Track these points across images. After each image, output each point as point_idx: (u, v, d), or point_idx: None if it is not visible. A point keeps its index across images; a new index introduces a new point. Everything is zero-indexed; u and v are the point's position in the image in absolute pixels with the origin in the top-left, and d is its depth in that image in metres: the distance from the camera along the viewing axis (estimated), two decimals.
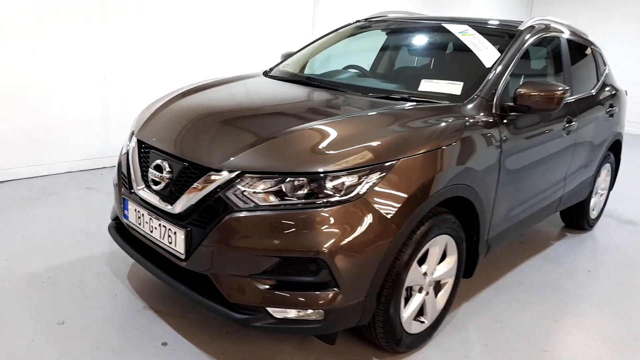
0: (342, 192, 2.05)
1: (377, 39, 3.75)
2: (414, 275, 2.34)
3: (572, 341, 2.79)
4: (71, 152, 4.61)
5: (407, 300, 2.42)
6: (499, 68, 2.82)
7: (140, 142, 2.51)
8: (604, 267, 3.76)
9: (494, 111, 2.70)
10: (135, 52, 4.89)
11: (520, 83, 2.78)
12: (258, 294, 2.06)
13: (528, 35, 3.09)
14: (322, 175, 2.05)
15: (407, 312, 2.40)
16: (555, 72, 3.55)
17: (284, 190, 2.05)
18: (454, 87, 2.77)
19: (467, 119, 2.51)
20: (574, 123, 3.40)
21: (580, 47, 3.93)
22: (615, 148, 4.47)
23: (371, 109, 2.56)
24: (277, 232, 2.01)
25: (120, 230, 2.68)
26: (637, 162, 7.87)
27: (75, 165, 4.67)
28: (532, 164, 3.03)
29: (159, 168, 2.31)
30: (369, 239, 2.06)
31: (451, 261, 2.60)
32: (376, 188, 2.09)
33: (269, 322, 2.09)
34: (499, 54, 2.90)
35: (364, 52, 3.78)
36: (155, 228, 2.30)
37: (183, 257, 2.17)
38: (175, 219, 2.20)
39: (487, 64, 2.86)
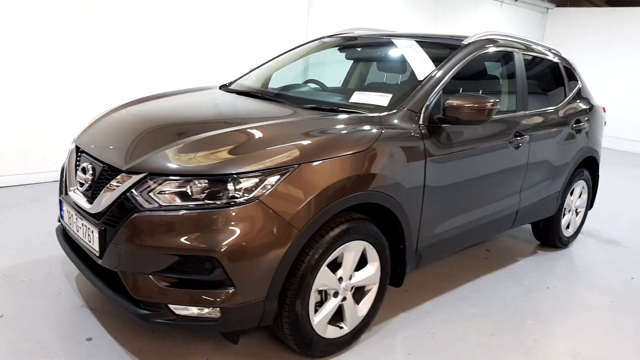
0: (240, 195, 2.14)
1: (336, 55, 3.86)
2: (325, 279, 2.40)
3: (503, 355, 2.75)
4: (58, 162, 4.85)
5: (321, 303, 2.48)
6: (432, 81, 2.88)
7: (77, 148, 2.68)
8: (567, 285, 3.68)
9: (421, 122, 2.75)
10: (123, 65, 5.14)
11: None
12: (159, 291, 2.16)
13: (470, 50, 3.14)
14: (222, 178, 2.15)
15: (320, 315, 2.45)
16: (506, 86, 3.57)
17: (186, 191, 2.15)
18: (382, 99, 2.84)
19: (383, 129, 2.57)
20: (524, 137, 3.40)
21: (543, 64, 3.94)
22: (590, 165, 4.39)
23: (288, 117, 2.65)
24: (176, 231, 2.11)
25: (65, 232, 2.84)
26: (634, 181, 7.53)
27: None
28: (469, 176, 3.03)
29: (84, 170, 2.46)
30: (266, 241, 2.14)
31: (373, 268, 2.64)
32: (275, 192, 2.17)
33: (169, 318, 2.18)
34: (434, 68, 2.96)
35: (324, 66, 3.89)
36: (80, 227, 2.44)
37: (98, 254, 2.30)
38: (93, 218, 2.34)
39: (420, 77, 2.92)
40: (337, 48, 3.74)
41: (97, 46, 4.93)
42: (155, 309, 2.19)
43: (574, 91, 4.18)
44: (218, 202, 2.13)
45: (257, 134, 2.39)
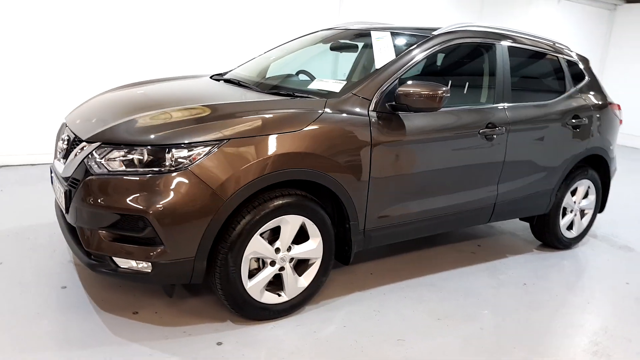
0: (174, 164, 2.41)
1: (326, 47, 4.03)
2: (258, 247, 2.61)
3: (439, 337, 2.81)
4: None
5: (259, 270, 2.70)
6: (389, 69, 3.00)
7: (65, 124, 3.09)
8: (546, 283, 3.60)
9: (371, 109, 2.88)
10: (154, 52, 5.60)
11: None
12: (103, 244, 2.48)
13: (436, 41, 3.21)
14: (159, 148, 2.43)
15: (254, 281, 2.67)
16: (480, 78, 3.56)
17: (130, 159, 2.46)
18: (336, 85, 3.00)
19: (323, 112, 2.74)
20: (500, 129, 3.40)
21: (535, 56, 3.88)
22: (597, 164, 4.24)
23: (238, 99, 2.89)
24: (118, 194, 2.42)
25: None
26: None
27: None
28: (425, 165, 3.09)
29: (63, 140, 2.85)
30: (192, 205, 2.40)
31: (314, 243, 2.81)
32: (204, 162, 2.42)
33: (111, 268, 2.50)
34: (393, 57, 3.07)
35: (315, 58, 4.07)
36: (57, 189, 2.84)
37: (65, 211, 2.67)
38: (64, 181, 2.71)
39: (378, 65, 3.04)
40: (323, 41, 3.91)
41: (105, 36, 5.41)
42: (101, 260, 2.52)
43: (577, 87, 4.06)
44: (154, 170, 2.41)
45: (197, 111, 2.65)
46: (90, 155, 2.53)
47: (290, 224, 2.70)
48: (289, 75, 3.70)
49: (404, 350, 2.66)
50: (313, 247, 2.81)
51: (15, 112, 5.02)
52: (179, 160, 2.42)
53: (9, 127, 5.03)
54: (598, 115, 4.10)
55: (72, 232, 2.70)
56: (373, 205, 2.95)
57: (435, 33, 3.26)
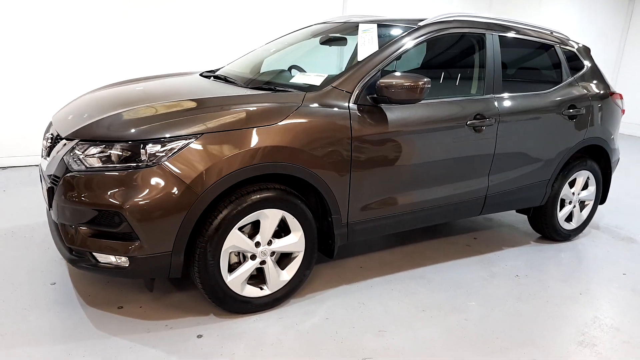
0: (147, 159, 2.44)
1: (318, 40, 4.03)
2: (236, 241, 2.63)
3: (421, 328, 2.79)
4: None
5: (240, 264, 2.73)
6: (370, 62, 2.99)
7: (51, 122, 3.15)
8: (540, 275, 3.55)
9: (351, 101, 2.87)
10: (155, 56, 5.68)
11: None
12: (82, 240, 2.52)
13: (422, 32, 3.18)
14: (133, 143, 2.46)
15: (235, 274, 2.69)
16: (467, 68, 3.52)
17: (107, 155, 2.50)
18: (317, 79, 3.00)
19: (301, 105, 2.74)
20: (489, 120, 3.35)
21: (529, 46, 3.82)
22: (597, 154, 4.16)
23: (215, 94, 2.90)
24: (94, 189, 2.46)
25: None
26: None
27: None
28: (408, 158, 3.05)
29: (47, 139, 2.91)
30: (167, 200, 2.43)
31: (296, 236, 2.82)
32: (177, 157, 2.44)
33: (90, 264, 2.55)
34: (376, 49, 3.06)
35: (309, 52, 4.07)
36: (43, 187, 2.90)
37: (49, 208, 2.72)
38: (48, 178, 2.77)
39: (360, 57, 3.03)
40: (314, 34, 3.91)
41: (118, 37, 5.51)
42: (81, 255, 2.56)
43: (575, 76, 3.99)
44: (128, 165, 2.45)
45: (171, 107, 2.67)
46: (69, 152, 2.58)
47: (269, 218, 2.71)
48: (278, 71, 3.71)
49: (384, 340, 2.66)
50: (295, 240, 2.82)
51: (19, 114, 5.13)
52: (154, 155, 2.44)
53: (13, 128, 5.14)
54: (599, 105, 4.02)
55: (57, 229, 2.75)
56: (355, 199, 2.94)
57: (421, 24, 3.23)
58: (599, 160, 4.21)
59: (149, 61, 5.68)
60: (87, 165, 2.51)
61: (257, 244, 2.72)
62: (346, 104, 2.86)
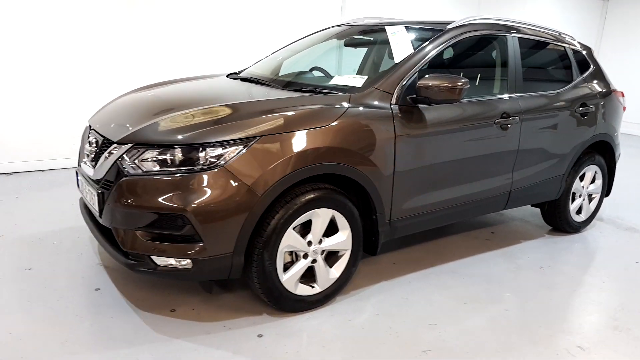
0: (209, 162, 2.47)
1: (339, 43, 4.10)
2: (291, 241, 2.67)
3: (468, 319, 2.90)
4: None
5: (292, 263, 2.77)
6: (408, 63, 3.08)
7: (89, 126, 3.12)
8: (562, 266, 3.72)
9: (393, 102, 2.95)
10: (165, 62, 5.65)
11: None
12: (142, 244, 2.53)
13: (453, 34, 3.29)
14: (193, 147, 2.48)
15: (289, 273, 2.73)
16: (492, 69, 3.66)
17: (164, 159, 2.51)
18: (358, 81, 3.07)
19: (350, 107, 2.81)
20: (514, 118, 3.50)
21: (543, 47, 3.99)
22: (604, 150, 4.36)
23: (265, 97, 2.95)
24: (155, 193, 2.47)
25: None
26: None
27: None
28: (444, 155, 3.17)
29: (90, 143, 2.89)
30: (229, 203, 2.45)
31: (344, 235, 2.88)
32: (238, 160, 2.48)
33: (150, 267, 2.55)
34: (412, 51, 3.15)
35: (328, 54, 4.15)
36: (87, 192, 2.87)
37: (98, 214, 2.71)
38: (95, 183, 2.75)
39: (397, 59, 3.12)
40: (341, 37, 3.98)
41: (130, 44, 5.46)
42: (139, 259, 2.56)
43: (584, 75, 4.18)
44: (189, 169, 2.47)
45: (227, 110, 2.70)
46: (123, 157, 2.57)
47: (321, 217, 2.76)
48: (306, 72, 3.77)
49: (437, 333, 2.75)
50: (343, 239, 2.88)
51: (24, 119, 5.02)
52: (213, 158, 2.47)
53: (19, 134, 5.03)
54: (603, 103, 4.22)
55: (106, 234, 2.74)
56: (398, 196, 3.03)
57: (449, 26, 3.34)
58: (605, 154, 4.42)
59: (156, 65, 5.64)
60: (145, 169, 2.51)
61: (309, 243, 2.77)
62: (388, 105, 2.94)
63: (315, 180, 2.75)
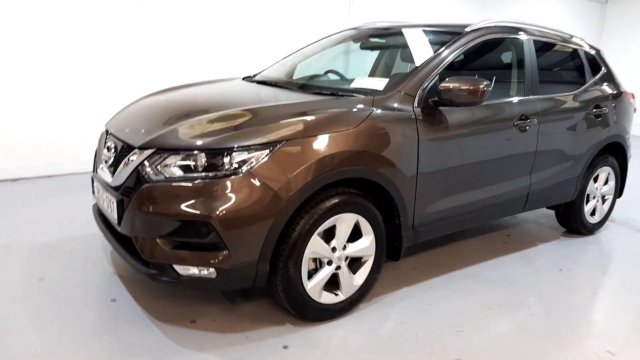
0: (234, 167, 2.39)
1: (354, 46, 4.05)
2: (316, 247, 2.61)
3: (496, 325, 2.85)
4: None
5: (317, 271, 2.69)
6: (429, 66, 3.03)
7: (107, 131, 3.04)
8: (580, 268, 3.68)
9: (415, 105, 2.90)
10: (174, 68, 5.57)
11: None
12: (164, 252, 2.44)
13: (471, 37, 3.25)
14: (217, 152, 2.41)
15: (314, 281, 2.66)
16: (510, 71, 3.63)
17: (188, 165, 2.44)
18: (379, 83, 3.02)
19: (374, 110, 2.75)
20: (532, 120, 3.46)
21: (557, 49, 3.96)
22: (617, 151, 4.34)
23: (286, 101, 2.88)
24: (178, 200, 2.39)
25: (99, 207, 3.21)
26: None
27: None
28: (467, 157, 3.13)
29: (108, 148, 2.81)
30: (255, 209, 2.38)
31: (367, 240, 2.82)
32: (264, 165, 2.41)
33: (173, 277, 2.47)
34: (432, 54, 3.10)
35: (343, 57, 4.09)
36: (104, 199, 2.79)
37: (116, 222, 2.62)
38: (113, 190, 2.67)
39: (418, 62, 3.07)
40: (353, 40, 3.93)
41: (138, 47, 5.38)
42: (161, 269, 2.48)
43: (596, 77, 4.16)
44: (214, 174, 2.39)
45: (252, 114, 2.64)
46: (144, 162, 2.50)
47: (345, 222, 2.70)
48: (324, 75, 3.72)
49: (465, 340, 2.69)
50: (367, 244, 2.82)
51: (30, 124, 4.92)
52: (239, 163, 2.40)
53: (25, 139, 4.92)
54: (614, 104, 4.20)
55: (125, 243, 2.66)
56: (421, 200, 2.97)
57: (467, 29, 3.30)
58: (617, 156, 4.39)
59: (165, 69, 5.59)
60: (167, 175, 2.43)
61: (333, 249, 2.71)
62: (411, 108, 2.89)
63: (339, 184, 2.69)
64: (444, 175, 3.05)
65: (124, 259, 2.64)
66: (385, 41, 3.87)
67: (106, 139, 2.99)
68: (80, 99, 5.12)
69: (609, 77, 4.30)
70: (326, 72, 3.90)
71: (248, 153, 2.41)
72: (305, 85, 3.32)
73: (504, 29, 3.49)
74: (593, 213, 4.34)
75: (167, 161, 2.46)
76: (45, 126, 4.99)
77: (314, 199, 2.57)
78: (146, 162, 2.49)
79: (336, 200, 2.61)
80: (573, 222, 4.22)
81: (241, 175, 2.38)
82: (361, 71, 4.16)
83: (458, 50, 3.16)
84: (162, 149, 2.48)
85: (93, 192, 3.06)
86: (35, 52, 4.83)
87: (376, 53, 4.08)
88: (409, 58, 3.68)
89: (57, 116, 5.03)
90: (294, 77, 3.71)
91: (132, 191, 2.52)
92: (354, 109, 2.73)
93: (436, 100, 2.95)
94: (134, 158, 2.56)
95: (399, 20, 4.20)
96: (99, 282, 3.07)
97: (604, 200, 4.41)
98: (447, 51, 3.12)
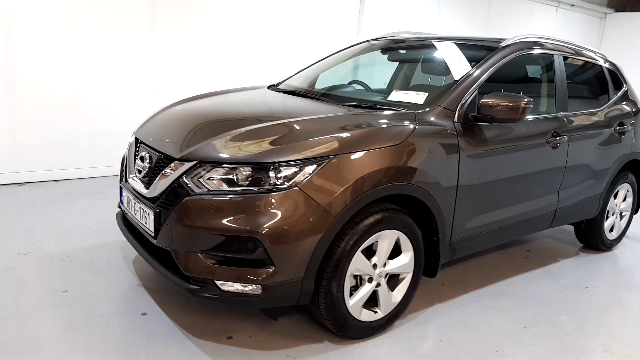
0: (281, 182, 2.33)
1: (380, 57, 4.01)
2: (359, 264, 2.55)
3: (534, 345, 2.82)
4: (120, 157, 5.22)
5: (356, 288, 2.63)
6: (468, 80, 2.99)
7: (136, 139, 2.95)
8: (606, 285, 3.68)
9: (455, 120, 2.86)
10: (180, 68, 5.48)
11: None
12: (207, 267, 2.37)
13: (507, 52, 3.23)
14: (264, 166, 2.34)
15: (355, 299, 2.60)
16: (544, 88, 3.62)
17: (232, 178, 2.36)
18: (419, 97, 2.98)
19: (417, 125, 2.71)
20: (563, 137, 3.45)
21: (585, 66, 3.97)
22: (635, 168, 4.35)
23: (328, 113, 2.82)
24: (223, 214, 2.32)
25: (124, 217, 3.11)
26: None
27: None
28: (504, 173, 3.11)
29: (142, 159, 2.72)
30: (303, 224, 2.32)
31: (407, 257, 2.77)
32: (312, 180, 2.34)
33: (215, 293, 2.39)
34: (470, 68, 3.07)
35: (367, 68, 4.05)
36: (138, 210, 2.70)
37: (153, 234, 2.54)
38: (149, 202, 2.58)
39: (456, 76, 3.03)
40: (382, 50, 3.90)
41: (159, 54, 5.29)
42: (203, 284, 2.40)
43: (618, 94, 4.17)
44: (260, 188, 2.32)
45: (298, 127, 2.58)
46: (185, 175, 2.42)
47: (387, 239, 2.65)
48: (349, 85, 3.67)
49: None
50: (406, 261, 2.77)
51: (37, 126, 4.78)
52: (286, 177, 2.34)
53: (31, 142, 4.78)
54: (634, 121, 4.21)
55: (160, 256, 2.58)
56: (459, 216, 2.94)
57: (502, 44, 3.28)
58: (635, 172, 4.41)
59: (172, 75, 5.48)
60: (211, 188, 2.36)
61: (374, 266, 2.65)
62: (451, 123, 2.85)
63: (381, 200, 2.63)
64: (481, 191, 3.02)
65: (160, 273, 2.56)
66: (413, 53, 3.83)
67: (137, 148, 2.90)
68: (87, 103, 4.99)
69: (630, 94, 4.32)
70: (350, 83, 3.86)
71: (296, 167, 2.35)
72: (339, 97, 3.26)
73: (536, 44, 3.47)
74: (611, 229, 4.35)
75: (211, 174, 2.38)
76: (53, 130, 4.86)
77: (358, 215, 2.51)
78: (187, 174, 2.41)
79: (379, 217, 2.56)
80: (593, 238, 4.22)
81: (289, 189, 2.32)
82: (380, 82, 4.12)
83: (496, 66, 3.14)
84: (204, 162, 2.41)
85: (121, 201, 2.96)
86: (43, 54, 4.71)
87: (392, 64, 4.04)
88: (437, 70, 3.66)
89: (64, 120, 4.90)
90: (320, 87, 3.66)
91: (171, 203, 2.44)
92: (399, 124, 2.68)
93: (475, 115, 2.92)
94: (174, 170, 2.48)
95: (424, 32, 4.18)
96: (125, 295, 2.97)
97: (621, 217, 4.42)
98: (484, 66, 3.10)
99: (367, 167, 2.47)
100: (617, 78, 4.24)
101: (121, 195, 2.95)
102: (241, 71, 5.92)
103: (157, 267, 2.58)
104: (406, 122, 2.71)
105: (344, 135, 2.51)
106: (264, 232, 2.27)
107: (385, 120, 2.70)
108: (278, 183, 2.33)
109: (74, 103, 4.90)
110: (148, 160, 2.68)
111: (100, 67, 4.99)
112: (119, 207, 3.20)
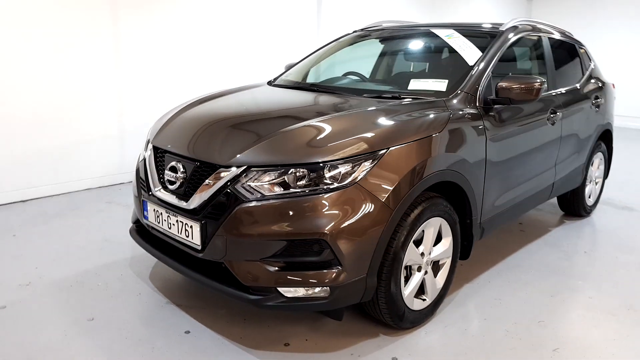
0: (339, 180, 2.27)
1: (373, 47, 4.01)
2: (412, 254, 2.55)
3: (568, 312, 2.97)
4: (90, 170, 4.90)
5: (407, 278, 2.63)
6: (482, 65, 3.06)
7: (156, 149, 2.76)
8: (600, 248, 3.94)
9: (477, 104, 2.92)
10: (147, 71, 5.20)
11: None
12: (269, 275, 2.27)
13: (509, 35, 3.33)
14: (320, 165, 2.28)
15: (408, 289, 2.61)
16: (538, 68, 3.79)
17: (286, 180, 2.28)
18: (440, 85, 3.01)
19: (451, 111, 2.74)
20: (558, 114, 3.62)
21: (564, 45, 4.18)
22: (606, 138, 4.66)
23: (364, 107, 2.79)
24: (283, 218, 2.23)
25: (141, 232, 2.92)
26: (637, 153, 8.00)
27: (95, 182, 4.97)
28: (518, 152, 3.23)
29: (173, 169, 2.55)
30: (366, 221, 2.28)
31: (447, 242, 2.80)
32: (369, 175, 2.31)
33: (280, 301, 2.30)
34: (481, 53, 3.13)
35: (361, 59, 4.03)
36: (173, 224, 2.53)
37: (199, 248, 2.39)
38: (190, 214, 2.43)
39: (470, 62, 3.09)
40: (377, 40, 3.89)
41: (124, 55, 4.98)
42: (265, 293, 2.30)
43: (589, 70, 4.44)
44: (317, 189, 2.26)
45: (342, 123, 2.53)
46: (234, 181, 2.30)
47: (433, 227, 2.68)
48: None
49: (551, 329, 2.77)
50: (447, 247, 2.81)
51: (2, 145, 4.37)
52: (342, 175, 2.29)
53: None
54: (605, 95, 4.51)
55: (206, 270, 2.45)
56: (487, 197, 3.02)
57: (502, 29, 3.38)
58: (606, 142, 4.72)
59: (160, 76, 5.19)
60: (265, 193, 2.27)
61: (421, 255, 2.67)
62: (475, 107, 2.91)
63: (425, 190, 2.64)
64: (502, 171, 3.13)
65: (212, 287, 2.43)
66: (410, 41, 3.85)
67: (159, 157, 2.72)
68: (50, 114, 4.62)
69: (597, 69, 4.60)
70: (345, 74, 3.82)
71: (351, 164, 2.30)
72: (357, 90, 3.22)
73: (532, 27, 3.63)
74: (589, 196, 4.63)
75: (263, 178, 2.29)
76: (13, 145, 4.45)
77: (409, 206, 2.51)
78: (236, 181, 2.30)
79: (426, 205, 2.57)
80: (577, 206, 4.49)
81: (347, 187, 2.27)
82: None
83: (502, 49, 3.23)
84: (254, 166, 2.30)
85: (145, 217, 2.77)
86: (39, 58, 4.30)
87: (396, 53, 4.05)
88: (439, 58, 3.70)
89: (26, 134, 4.50)
90: (315, 80, 3.62)
91: (219, 213, 2.32)
92: (437, 112, 2.69)
93: (493, 98, 3.00)
94: (218, 177, 2.35)
95: (400, 20, 4.22)
96: (157, 315, 2.79)
97: (596, 184, 4.73)
98: (492, 50, 3.18)
99: (417, 157, 2.47)
100: (587, 55, 4.50)
101: (145, 209, 2.75)
102: (207, 72, 5.70)
103: (207, 282, 2.44)
104: (441, 110, 2.73)
105: (392, 127, 2.50)
106: (329, 232, 2.22)
107: (422, 110, 2.71)
108: (335, 181, 2.27)
109: (36, 116, 4.51)
110: (182, 170, 2.52)
111: (61, 76, 4.61)
112: (134, 222, 3.00)
